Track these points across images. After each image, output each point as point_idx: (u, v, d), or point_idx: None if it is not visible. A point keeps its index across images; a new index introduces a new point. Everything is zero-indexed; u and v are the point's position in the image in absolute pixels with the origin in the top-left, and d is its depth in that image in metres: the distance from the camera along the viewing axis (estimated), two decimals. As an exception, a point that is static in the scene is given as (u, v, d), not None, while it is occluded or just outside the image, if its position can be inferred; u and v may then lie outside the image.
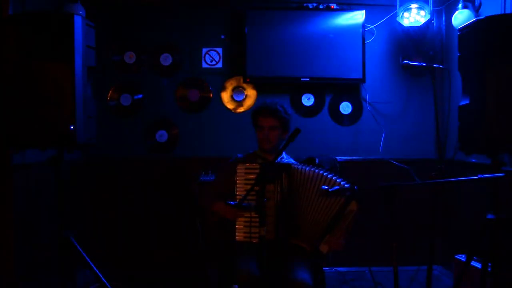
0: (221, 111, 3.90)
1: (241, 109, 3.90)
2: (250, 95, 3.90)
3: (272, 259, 2.25)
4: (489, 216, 2.27)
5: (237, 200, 2.29)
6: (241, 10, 3.82)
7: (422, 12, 3.72)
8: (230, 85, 3.90)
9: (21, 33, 2.19)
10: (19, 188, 2.79)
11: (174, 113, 3.88)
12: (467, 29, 2.33)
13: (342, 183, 2.35)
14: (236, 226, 2.35)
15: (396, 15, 3.80)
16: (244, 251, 2.39)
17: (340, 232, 2.32)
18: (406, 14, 3.74)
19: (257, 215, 2.26)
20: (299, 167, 2.37)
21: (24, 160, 2.75)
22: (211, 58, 3.89)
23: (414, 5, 3.72)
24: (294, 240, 2.35)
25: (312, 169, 2.37)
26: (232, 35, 3.88)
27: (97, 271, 2.37)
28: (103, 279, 2.39)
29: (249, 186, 2.29)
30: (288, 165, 2.37)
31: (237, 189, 2.37)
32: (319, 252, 2.32)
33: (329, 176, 2.36)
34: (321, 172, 2.37)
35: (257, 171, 2.35)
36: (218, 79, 3.90)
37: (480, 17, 2.29)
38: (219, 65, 3.89)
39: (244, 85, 3.89)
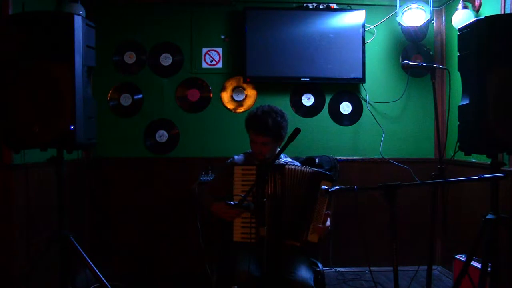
0: (221, 111, 3.90)
1: (241, 109, 3.90)
2: (250, 95, 3.90)
3: (272, 259, 2.25)
4: (489, 216, 2.27)
5: (235, 201, 2.30)
6: (241, 10, 3.82)
7: (422, 12, 3.72)
8: (230, 85, 3.90)
9: (21, 33, 2.19)
10: (19, 188, 2.79)
11: (174, 113, 3.89)
12: (467, 29, 2.33)
13: (315, 169, 2.36)
14: (234, 227, 2.36)
15: (396, 15, 3.80)
16: (243, 251, 2.39)
17: (321, 215, 2.31)
18: (406, 14, 3.74)
19: (254, 216, 2.27)
20: (291, 166, 2.37)
21: (24, 160, 2.75)
22: (211, 58, 3.89)
23: (414, 5, 3.71)
24: (286, 240, 2.35)
25: (299, 167, 2.38)
26: (232, 35, 3.88)
27: (97, 271, 2.36)
28: (103, 279, 2.38)
29: (246, 187, 2.29)
30: (282, 165, 2.37)
31: (234, 190, 2.37)
32: (311, 244, 2.32)
33: (301, 168, 2.37)
34: (300, 167, 2.37)
35: (253, 172, 2.35)
36: (218, 79, 3.90)
37: (480, 17, 2.29)
38: (219, 65, 3.89)
39: (244, 85, 3.89)
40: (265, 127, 2.44)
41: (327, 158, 3.45)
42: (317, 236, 2.32)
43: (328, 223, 2.38)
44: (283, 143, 2.30)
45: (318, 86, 3.95)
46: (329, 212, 2.37)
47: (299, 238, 2.32)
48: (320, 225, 2.31)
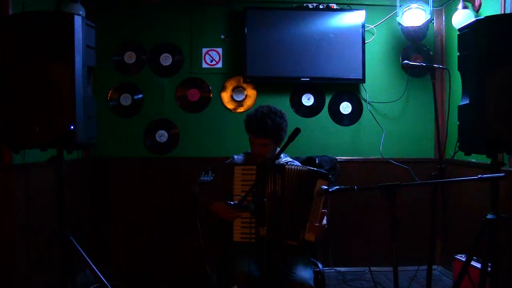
0: (221, 111, 3.90)
1: (241, 109, 3.90)
2: (250, 95, 3.90)
3: (272, 259, 2.25)
4: (489, 216, 2.27)
5: (235, 201, 2.30)
6: (241, 10, 3.82)
7: (422, 12, 3.71)
8: (230, 85, 3.90)
9: (21, 33, 2.19)
10: (19, 188, 2.79)
11: (174, 113, 3.88)
12: (467, 29, 2.33)
13: (310, 168, 2.36)
14: (234, 227, 2.35)
15: (396, 15, 3.80)
16: (243, 251, 2.39)
17: (317, 214, 2.31)
18: (406, 14, 3.74)
19: (254, 216, 2.27)
20: (291, 166, 2.37)
21: (24, 160, 2.75)
22: (211, 58, 3.89)
23: (414, 5, 3.71)
24: (286, 240, 2.35)
25: (296, 166, 2.38)
26: (232, 35, 3.88)
27: (97, 271, 2.36)
28: (103, 279, 2.38)
29: (246, 187, 2.29)
30: (282, 165, 2.37)
31: (234, 190, 2.37)
32: (308, 242, 2.32)
33: (298, 167, 2.37)
34: (297, 167, 2.38)
35: (253, 172, 2.35)
36: (218, 79, 3.90)
37: (480, 17, 2.29)
38: (219, 65, 3.89)
39: (244, 85, 3.89)
40: (264, 129, 2.43)
41: (327, 158, 3.45)
42: (314, 235, 2.32)
43: (324, 221, 2.38)
44: (283, 143, 2.30)
45: (318, 86, 3.95)
46: (325, 210, 2.37)
47: (296, 237, 2.32)
48: (317, 224, 2.31)
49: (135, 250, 3.83)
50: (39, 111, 2.17)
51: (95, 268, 2.37)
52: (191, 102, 3.89)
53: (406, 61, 3.04)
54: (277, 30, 3.79)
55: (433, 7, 3.76)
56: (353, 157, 3.95)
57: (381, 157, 3.89)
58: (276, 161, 2.54)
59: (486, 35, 2.21)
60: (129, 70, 3.87)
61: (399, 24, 3.82)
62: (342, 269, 3.91)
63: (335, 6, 3.85)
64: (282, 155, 2.70)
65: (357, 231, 3.91)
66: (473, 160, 3.34)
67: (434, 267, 3.85)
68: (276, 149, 2.55)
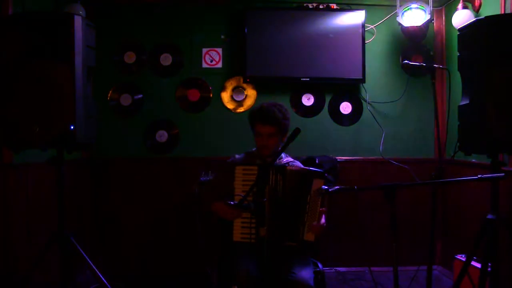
0: (221, 111, 3.90)
1: (241, 109, 3.90)
2: (250, 95, 3.90)
3: (272, 259, 2.25)
4: (489, 216, 2.27)
5: (236, 201, 2.30)
6: (241, 10, 3.82)
7: (422, 12, 3.72)
8: (230, 85, 3.90)
9: (21, 33, 2.19)
10: (19, 188, 2.79)
11: (174, 113, 3.88)
12: (467, 29, 2.34)
13: (305, 168, 2.38)
14: (234, 227, 2.36)
15: (396, 15, 3.80)
16: (244, 251, 2.40)
17: (315, 213, 2.31)
18: (406, 14, 3.74)
19: (254, 216, 2.27)
20: (292, 167, 2.38)
21: (24, 160, 2.75)
22: (211, 58, 3.89)
23: (414, 5, 3.71)
24: (285, 241, 2.35)
25: (294, 167, 2.39)
26: (232, 35, 3.88)
27: (97, 271, 2.37)
28: (103, 279, 2.39)
29: (247, 187, 2.29)
30: (283, 166, 2.38)
31: (235, 190, 2.37)
32: (307, 243, 2.32)
33: (296, 167, 2.39)
34: (294, 167, 2.39)
35: (254, 172, 2.36)
36: (218, 79, 3.90)
37: (480, 17, 2.30)
38: (219, 65, 3.89)
39: (244, 85, 3.89)
40: (272, 116, 2.49)
41: (327, 158, 3.45)
42: (313, 235, 2.33)
43: (323, 220, 2.38)
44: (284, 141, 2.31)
45: (318, 86, 3.95)
46: (324, 209, 2.38)
47: (295, 238, 2.33)
48: (315, 223, 2.32)
49: (136, 250, 3.83)
50: (39, 111, 2.18)
51: (95, 268, 2.37)
52: (191, 102, 3.89)
53: (406, 61, 3.05)
54: (277, 30, 3.78)
55: (433, 7, 3.76)
56: (353, 157, 3.95)
57: (381, 157, 3.89)
58: (278, 161, 2.55)
59: (486, 35, 2.21)
60: (129, 70, 3.87)
61: (399, 24, 3.81)
62: (342, 269, 3.91)
63: (335, 6, 3.85)
64: (282, 155, 2.70)
65: (357, 231, 3.91)
66: (473, 160, 3.34)
67: (434, 267, 3.85)
68: (279, 144, 2.57)
